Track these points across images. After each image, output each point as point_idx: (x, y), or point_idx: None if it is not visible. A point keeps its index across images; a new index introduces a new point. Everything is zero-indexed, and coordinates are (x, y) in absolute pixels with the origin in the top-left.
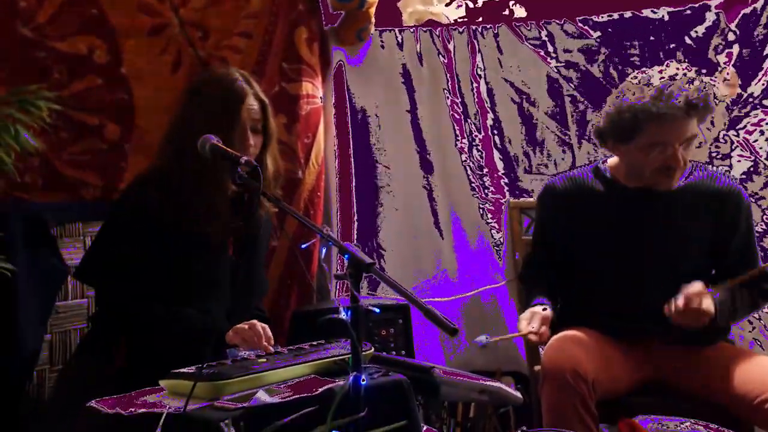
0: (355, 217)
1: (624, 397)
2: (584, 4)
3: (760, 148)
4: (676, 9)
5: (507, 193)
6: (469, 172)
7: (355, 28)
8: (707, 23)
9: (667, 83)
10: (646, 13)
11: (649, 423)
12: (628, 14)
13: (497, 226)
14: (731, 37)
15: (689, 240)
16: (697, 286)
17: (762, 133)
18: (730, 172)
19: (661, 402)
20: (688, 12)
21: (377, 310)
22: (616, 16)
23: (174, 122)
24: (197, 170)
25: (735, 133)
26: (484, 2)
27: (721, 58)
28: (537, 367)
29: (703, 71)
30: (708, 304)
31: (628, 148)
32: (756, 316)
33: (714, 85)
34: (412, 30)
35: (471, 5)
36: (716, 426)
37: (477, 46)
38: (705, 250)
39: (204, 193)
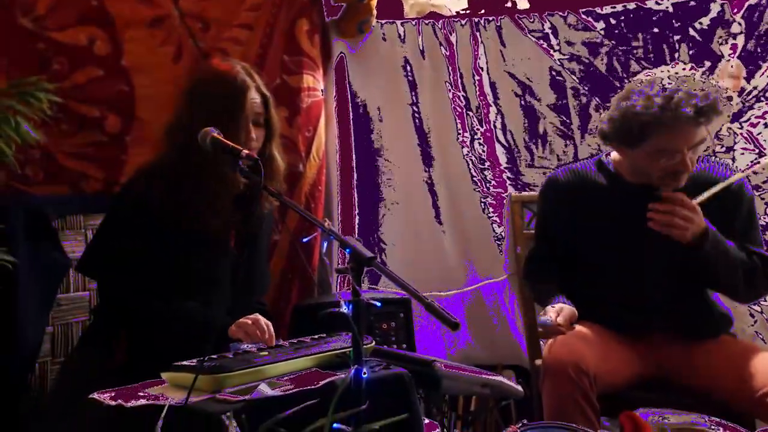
0: (356, 211)
1: (625, 390)
2: None
3: (764, 140)
4: (681, 0)
5: (509, 187)
6: (471, 165)
7: (356, 21)
8: (712, 14)
9: (675, 89)
10: (650, 4)
11: (651, 416)
12: (632, 6)
13: (499, 220)
14: (736, 28)
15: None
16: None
17: (766, 125)
18: (733, 165)
19: (662, 395)
20: (693, 3)
21: (378, 304)
22: (619, 7)
23: (176, 115)
24: (199, 164)
25: (738, 126)
26: None
27: (726, 50)
28: (538, 361)
29: (708, 63)
30: (702, 219)
31: (633, 153)
32: (758, 309)
33: (725, 89)
34: (413, 22)
35: None
36: (718, 419)
37: (479, 39)
38: None
39: (205, 187)
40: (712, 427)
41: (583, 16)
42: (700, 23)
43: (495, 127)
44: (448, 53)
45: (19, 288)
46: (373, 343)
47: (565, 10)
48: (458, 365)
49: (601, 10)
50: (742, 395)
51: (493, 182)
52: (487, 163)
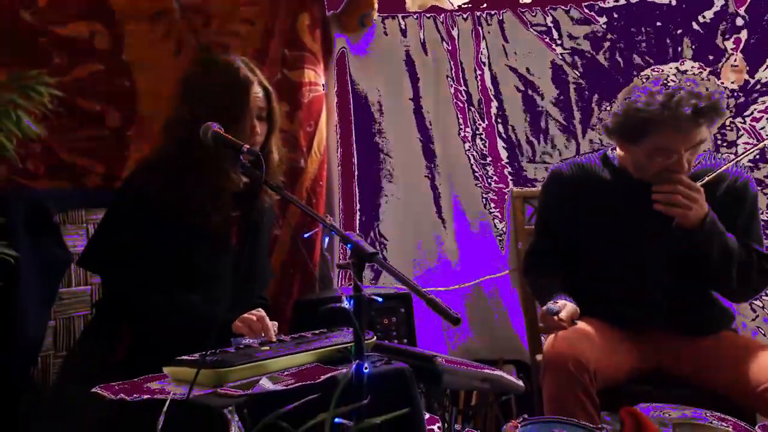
0: (358, 207)
1: (626, 385)
2: None
3: None
4: None
5: (510, 183)
6: (472, 161)
7: (357, 15)
8: (715, 8)
9: (677, 88)
10: None
11: (651, 411)
12: None
13: (500, 216)
14: (739, 22)
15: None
16: None
17: None
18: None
19: (663, 390)
20: None
21: (380, 299)
22: (623, 1)
23: (177, 110)
24: (200, 158)
25: (741, 120)
26: None
27: (729, 44)
28: (538, 356)
29: (711, 57)
30: (705, 203)
31: (633, 149)
32: (759, 304)
33: (730, 90)
34: (415, 16)
35: None
36: (719, 414)
37: (481, 33)
38: None
39: (207, 181)
40: (714, 422)
41: (586, 10)
42: (704, 17)
43: (496, 122)
44: (449, 47)
45: (21, 282)
46: (374, 338)
47: (568, 4)
48: (459, 360)
49: (604, 3)
50: (742, 390)
51: (494, 177)
52: (489, 159)
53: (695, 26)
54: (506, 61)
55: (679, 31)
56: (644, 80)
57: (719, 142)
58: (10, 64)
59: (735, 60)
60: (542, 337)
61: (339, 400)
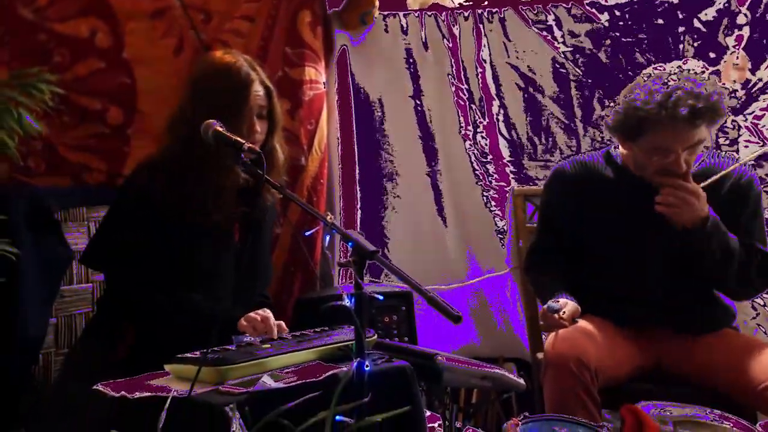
0: (359, 205)
1: (627, 383)
2: None
3: None
4: None
5: (512, 181)
6: (473, 159)
7: (358, 12)
8: (717, 6)
9: (676, 88)
10: None
11: (652, 409)
12: None
13: (501, 214)
14: (741, 20)
15: None
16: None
17: None
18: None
19: (664, 388)
20: None
21: (381, 297)
22: None
23: (179, 108)
24: (202, 157)
25: (743, 118)
26: None
27: (731, 42)
28: (539, 354)
29: (713, 55)
30: (704, 206)
31: (633, 147)
32: (760, 302)
33: (730, 91)
34: (416, 14)
35: None
36: (720, 412)
37: (483, 31)
38: None
39: (209, 180)
40: (715, 420)
41: (588, 8)
42: (706, 14)
43: (497, 120)
44: (450, 45)
45: (22, 279)
46: (375, 336)
47: (569, 2)
48: (460, 358)
49: (606, 1)
50: (743, 388)
51: (495, 176)
52: (490, 157)
53: (697, 24)
54: (507, 58)
55: (680, 29)
56: (645, 78)
57: (721, 140)
58: (10, 62)
59: (737, 58)
60: (543, 336)
61: (340, 397)
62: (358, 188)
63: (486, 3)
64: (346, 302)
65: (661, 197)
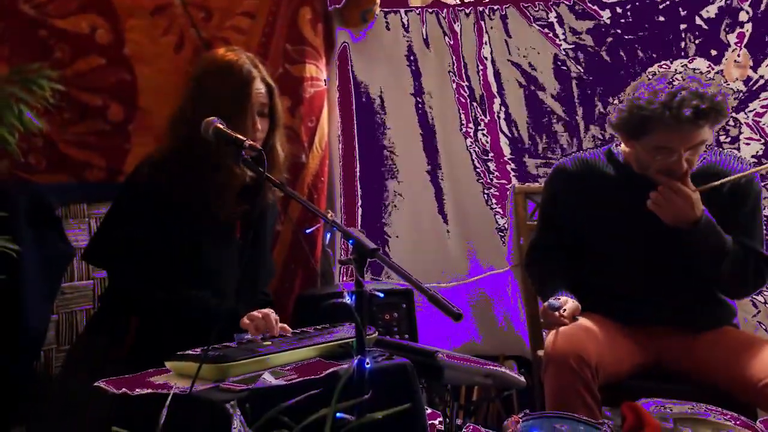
0: (359, 202)
1: (627, 380)
2: None
3: None
4: None
5: (513, 178)
6: (474, 156)
7: (359, 9)
8: (719, 3)
9: (681, 88)
10: None
11: (652, 406)
12: None
13: (502, 212)
14: (743, 16)
15: None
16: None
17: None
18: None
19: (664, 385)
20: None
21: (381, 295)
22: None
23: (181, 106)
24: (203, 155)
25: (744, 116)
26: None
27: (732, 39)
28: (540, 352)
29: (714, 52)
30: (701, 207)
31: (636, 145)
32: (761, 299)
33: (735, 91)
34: (417, 11)
35: None
36: (720, 409)
37: (484, 28)
38: None
39: (211, 178)
40: (715, 416)
41: (589, 5)
42: (707, 12)
43: (499, 117)
44: (452, 43)
45: (23, 276)
46: (376, 333)
47: None
48: (460, 356)
49: None
50: (743, 385)
51: (496, 173)
52: (491, 154)
53: (698, 21)
54: (509, 56)
55: (682, 26)
56: (650, 77)
57: (721, 137)
58: (10, 58)
59: (738, 55)
60: (544, 333)
61: (340, 395)
62: (358, 186)
63: (487, 0)
64: (347, 300)
65: (652, 195)
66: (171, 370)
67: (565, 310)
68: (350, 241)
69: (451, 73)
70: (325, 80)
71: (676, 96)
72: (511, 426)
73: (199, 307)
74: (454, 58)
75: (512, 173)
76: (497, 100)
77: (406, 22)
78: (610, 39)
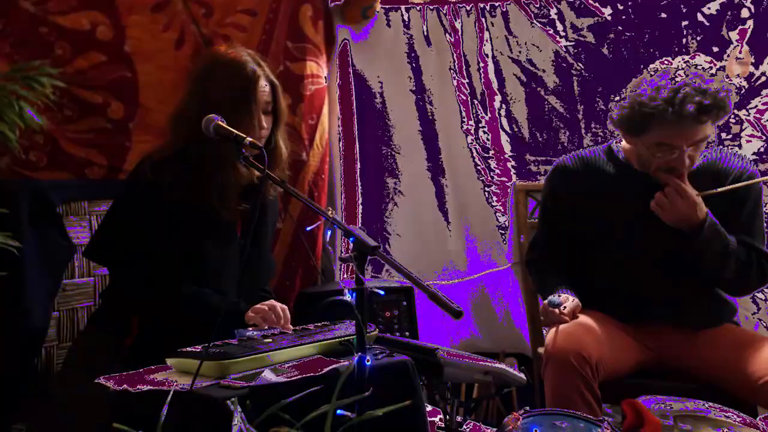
0: (360, 200)
1: (627, 378)
2: None
3: None
4: None
5: (513, 176)
6: (475, 154)
7: (360, 6)
8: None
9: (684, 84)
10: None
11: (653, 403)
12: None
13: (502, 209)
14: (745, 13)
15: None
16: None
17: None
18: (740, 152)
19: (664, 383)
20: None
21: (382, 292)
22: None
23: (183, 103)
24: (206, 152)
25: (746, 112)
26: None
27: (734, 35)
28: (540, 349)
29: (716, 49)
30: (704, 209)
31: (637, 142)
32: (761, 297)
33: (737, 87)
34: (418, 8)
35: None
36: (720, 406)
37: (485, 25)
38: None
39: (213, 176)
40: (715, 413)
41: (590, 1)
42: (709, 8)
43: (499, 114)
44: (452, 40)
45: (25, 273)
46: (377, 330)
47: None
48: (461, 353)
49: None
50: (744, 383)
51: (496, 171)
52: (491, 152)
53: (700, 17)
54: (510, 53)
55: (684, 23)
56: (652, 73)
57: (723, 134)
58: (11, 54)
59: (740, 52)
60: (544, 330)
61: (341, 392)
62: (359, 183)
63: None
64: (347, 297)
65: (656, 196)
66: (172, 367)
67: (565, 307)
68: (351, 239)
69: (451, 71)
70: (325, 78)
71: (679, 92)
72: (511, 423)
73: (200, 303)
74: (455, 55)
75: (513, 171)
76: (498, 98)
77: (406, 19)
78: (611, 36)
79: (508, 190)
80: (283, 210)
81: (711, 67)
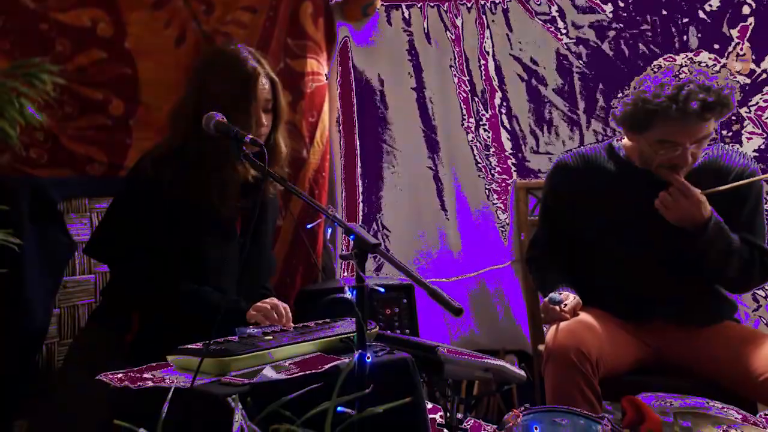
0: (360, 198)
1: (627, 375)
2: None
3: None
4: None
5: (514, 174)
6: (476, 151)
7: (360, 3)
8: None
9: (688, 81)
10: None
11: (653, 400)
12: None
13: (503, 207)
14: (746, 10)
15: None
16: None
17: None
18: (740, 149)
19: (665, 380)
20: None
21: (382, 290)
22: None
23: (183, 101)
24: (208, 150)
25: (747, 110)
26: None
27: (735, 33)
28: (540, 346)
29: (717, 46)
30: (708, 208)
31: (639, 139)
32: (762, 294)
33: (740, 84)
34: (419, 5)
35: None
36: (720, 403)
37: (486, 22)
38: None
39: (214, 173)
40: (715, 410)
41: None
42: (710, 5)
43: (500, 112)
44: (453, 37)
45: (26, 270)
46: (377, 328)
47: None
48: (461, 350)
49: None
50: (744, 380)
51: (497, 168)
52: (492, 149)
53: (701, 14)
54: (510, 50)
55: (685, 20)
56: (656, 70)
57: (723, 131)
58: (11, 51)
59: (741, 49)
60: (544, 328)
61: (341, 389)
62: (359, 181)
63: None
64: (348, 294)
65: (660, 195)
66: (173, 364)
67: (566, 305)
68: (351, 237)
69: (452, 68)
70: (326, 75)
71: (683, 89)
72: (511, 420)
73: (199, 301)
74: (455, 52)
75: (513, 168)
76: (499, 95)
77: (407, 17)
78: (612, 33)
79: (509, 188)
80: (283, 207)
81: (715, 65)
